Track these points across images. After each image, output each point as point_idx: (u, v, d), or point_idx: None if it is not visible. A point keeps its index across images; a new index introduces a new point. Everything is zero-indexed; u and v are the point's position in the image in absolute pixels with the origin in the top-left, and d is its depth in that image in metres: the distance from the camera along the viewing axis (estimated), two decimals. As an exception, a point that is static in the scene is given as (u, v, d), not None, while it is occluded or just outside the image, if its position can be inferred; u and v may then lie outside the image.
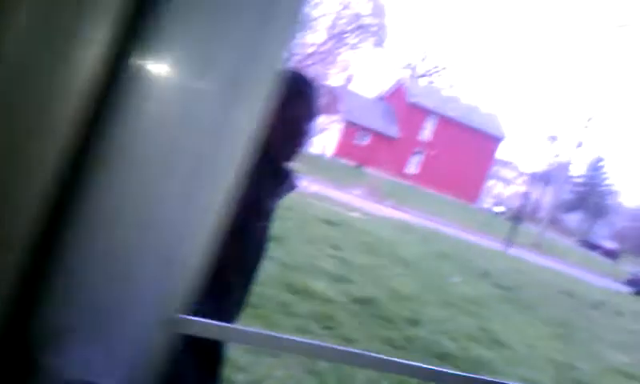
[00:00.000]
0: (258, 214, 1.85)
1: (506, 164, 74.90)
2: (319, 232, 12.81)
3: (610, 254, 49.82)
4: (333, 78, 43.23)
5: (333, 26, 39.89)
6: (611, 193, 70.00)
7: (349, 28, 40.58)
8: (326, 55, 38.84)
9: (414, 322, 8.16)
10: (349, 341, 6.67)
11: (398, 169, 50.39)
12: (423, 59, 67.45)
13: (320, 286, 8.38)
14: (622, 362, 10.57)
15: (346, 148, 50.02)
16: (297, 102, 1.85)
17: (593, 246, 52.49)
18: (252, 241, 1.87)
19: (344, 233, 13.91)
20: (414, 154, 53.19)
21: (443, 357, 7.18)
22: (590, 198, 67.81)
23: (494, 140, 55.15)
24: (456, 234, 23.96)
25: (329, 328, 6.89)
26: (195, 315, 0.81)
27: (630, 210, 69.56)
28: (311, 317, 7.05)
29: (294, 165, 1.98)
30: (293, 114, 1.84)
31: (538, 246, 33.78)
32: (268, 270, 7.35)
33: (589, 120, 55.78)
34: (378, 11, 42.18)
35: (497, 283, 14.14)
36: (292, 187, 1.98)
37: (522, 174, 73.27)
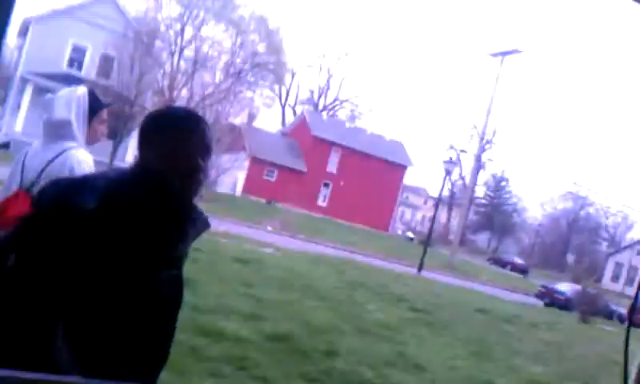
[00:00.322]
0: (166, 261, 1.77)
1: (414, 190, 76.73)
2: (231, 271, 12.47)
3: (520, 270, 51.54)
4: (235, 117, 43.11)
5: (230, 65, 39.90)
6: (516, 210, 72.68)
7: (246, 66, 40.67)
8: (225, 94, 38.71)
9: (331, 354, 7.94)
10: (264, 380, 6.37)
11: (308, 202, 50.48)
12: (325, 93, 68.61)
13: (233, 326, 8.04)
14: (537, 373, 10.72)
15: (254, 184, 49.73)
16: (189, 138, 1.87)
17: (503, 263, 54.13)
18: (165, 290, 1.77)
19: (257, 270, 13.60)
20: (323, 186, 53.52)
21: (362, 386, 6.99)
22: (495, 216, 70.12)
23: (401, 167, 56.24)
24: (369, 262, 24.04)
25: (243, 368, 6.57)
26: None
27: (533, 226, 72.42)
28: (224, 359, 6.71)
29: (198, 205, 1.93)
30: (186, 152, 1.86)
31: (450, 268, 34.44)
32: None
33: (487, 142, 57.98)
34: (273, 49, 42.51)
35: (412, 307, 14.15)
36: (204, 226, 1.92)
37: (429, 199, 75.11)
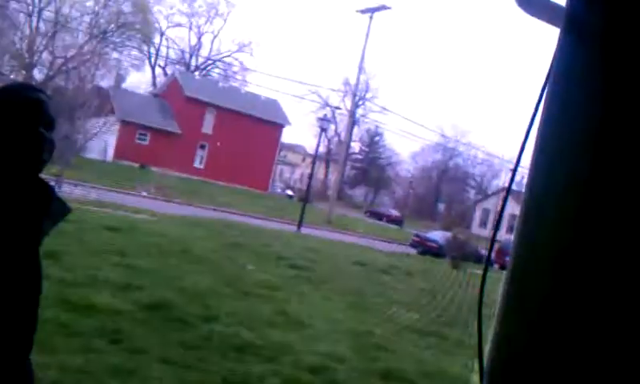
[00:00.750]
0: (22, 237, 1.85)
1: (292, 148, 77.10)
2: (102, 240, 11.94)
3: (396, 221, 53.35)
4: (102, 79, 41.33)
5: (94, 26, 38.08)
6: (390, 164, 74.81)
7: (111, 26, 38.96)
8: (90, 56, 36.93)
9: (210, 319, 7.79)
10: (139, 351, 6.13)
11: (185, 165, 49.46)
12: (197, 53, 67.00)
13: (105, 298, 7.69)
14: (414, 320, 11.10)
15: (126, 149, 47.94)
16: (28, 111, 1.86)
17: (379, 216, 55.79)
18: (24, 267, 1.88)
19: (130, 237, 13.12)
20: (199, 148, 52.62)
21: (243, 348, 6.89)
22: (371, 171, 71.90)
23: (278, 126, 56.23)
24: (249, 222, 23.92)
25: (116, 342, 6.28)
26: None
27: (407, 178, 74.92)
28: (96, 333, 6.40)
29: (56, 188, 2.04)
30: (27, 125, 1.85)
31: (328, 223, 35.03)
32: (43, 290, 6.56)
33: (360, 98, 59.05)
34: (140, 8, 40.89)
35: (292, 264, 14.22)
36: (64, 210, 2.03)
37: (307, 156, 75.83)
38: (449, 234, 29.74)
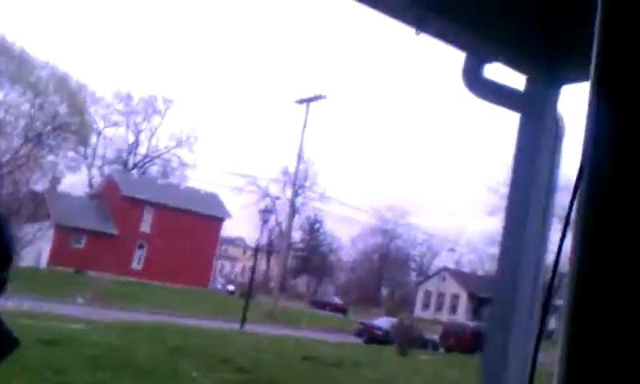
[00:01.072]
0: None
1: (232, 241, 76.46)
2: (37, 356, 11.35)
3: (340, 309, 52.99)
4: (37, 183, 40.54)
5: (29, 129, 37.68)
6: (332, 250, 74.94)
7: (47, 129, 38.63)
8: (25, 159, 36.36)
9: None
10: None
11: (122, 266, 48.30)
12: (134, 151, 66.69)
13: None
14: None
15: (61, 254, 46.60)
16: None
17: (323, 305, 55.35)
18: None
19: (67, 350, 12.58)
20: (138, 248, 51.63)
21: None
22: (313, 259, 71.78)
23: (217, 220, 55.87)
24: (190, 323, 23.32)
25: None
26: None
27: (349, 264, 74.99)
28: None
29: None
30: None
31: (272, 317, 34.52)
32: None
33: (300, 187, 59.53)
34: (76, 109, 40.75)
35: (237, 367, 13.86)
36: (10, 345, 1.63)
37: (248, 248, 75.25)
38: (394, 320, 29.73)
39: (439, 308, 57.17)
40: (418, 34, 1.54)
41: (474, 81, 1.69)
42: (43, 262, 46.20)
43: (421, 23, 1.53)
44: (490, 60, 1.67)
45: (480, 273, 60.87)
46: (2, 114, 36.77)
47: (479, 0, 1.52)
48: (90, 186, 62.00)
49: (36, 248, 42.79)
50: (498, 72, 1.70)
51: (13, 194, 33.90)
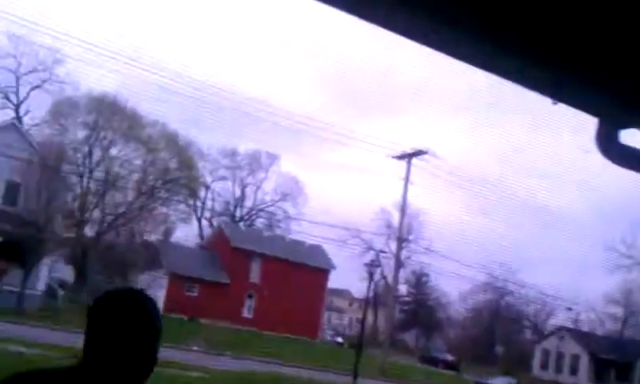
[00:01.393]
0: None
1: (338, 293, 76.23)
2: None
3: (452, 366, 51.09)
4: (151, 234, 42.16)
5: (142, 183, 39.36)
6: (440, 304, 72.96)
7: (158, 183, 40.22)
8: (138, 212, 37.94)
9: None
10: None
11: (233, 315, 48.99)
12: (241, 204, 68.45)
13: None
14: None
15: (176, 302, 47.91)
16: (138, 329, 1.75)
17: (433, 361, 53.57)
18: None
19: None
20: (247, 297, 52.39)
21: None
22: (420, 313, 70.15)
23: (324, 271, 55.94)
24: (303, 374, 22.99)
25: None
26: None
27: (459, 320, 72.65)
28: None
29: None
30: (137, 343, 1.74)
31: (383, 372, 33.67)
32: None
33: (404, 240, 58.69)
34: (185, 164, 42.28)
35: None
36: None
37: (354, 301, 74.75)
38: (511, 380, 28.23)
39: (559, 369, 54.01)
40: (554, 103, 1.51)
41: (610, 147, 1.65)
42: (160, 309, 47.64)
43: (555, 92, 1.50)
44: (627, 125, 1.64)
45: (599, 333, 57.43)
46: (116, 169, 38.66)
47: (613, 64, 1.44)
48: (201, 236, 63.87)
49: (152, 296, 44.23)
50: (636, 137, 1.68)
51: (129, 245, 35.30)
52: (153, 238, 43.22)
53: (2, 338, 18.05)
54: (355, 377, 25.36)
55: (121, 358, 1.66)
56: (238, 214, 68.90)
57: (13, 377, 1.75)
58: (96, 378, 1.63)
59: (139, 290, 1.92)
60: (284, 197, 67.93)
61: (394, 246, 49.21)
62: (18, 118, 42.00)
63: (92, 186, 37.66)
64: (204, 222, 67.02)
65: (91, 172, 37.54)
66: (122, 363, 1.67)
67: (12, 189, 33.07)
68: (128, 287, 2.20)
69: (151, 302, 1.82)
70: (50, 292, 35.32)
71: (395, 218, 49.50)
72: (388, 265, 61.34)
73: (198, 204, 63.56)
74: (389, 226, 62.75)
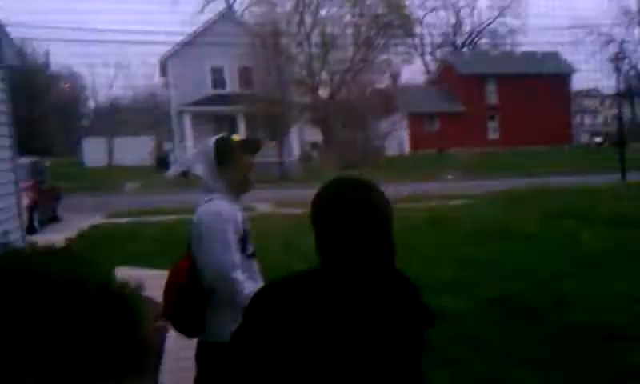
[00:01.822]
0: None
1: (584, 93, 71.31)
2: (427, 237, 11.71)
3: None
4: (379, 82, 42.71)
5: (358, 36, 39.61)
6: None
7: (372, 32, 40.11)
8: (362, 64, 38.52)
9: (562, 305, 6.98)
10: (497, 356, 5.65)
11: (479, 139, 48.68)
12: (459, 31, 66.00)
13: (445, 301, 7.36)
14: None
15: (419, 139, 48.97)
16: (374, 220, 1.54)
17: None
18: None
19: (452, 227, 12.85)
20: (489, 119, 51.52)
21: (610, 336, 5.98)
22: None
23: (564, 76, 52.86)
24: (561, 182, 22.05)
25: (470, 348, 5.87)
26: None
27: None
28: (446, 341, 6.05)
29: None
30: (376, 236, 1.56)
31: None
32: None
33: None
34: (393, 6, 41.31)
35: (633, 223, 12.44)
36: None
37: (604, 98, 69.76)
38: None
39: None
40: None
41: None
42: (405, 149, 49.10)
43: None
44: None
45: None
46: (330, 29, 39.20)
47: None
48: (427, 72, 63.25)
49: (396, 138, 45.51)
50: None
51: (361, 96, 36.09)
52: (382, 85, 43.79)
53: (276, 200, 19.81)
54: (623, 174, 23.87)
55: (364, 253, 1.51)
56: (458, 41, 66.75)
57: (266, 286, 1.69)
58: (341, 278, 1.50)
59: (360, 177, 1.64)
60: (502, 11, 64.14)
61: (637, 31, 44.19)
62: (229, 7, 44.21)
63: (313, 50, 38.78)
64: (427, 58, 66.15)
65: (308, 38, 38.59)
66: (366, 258, 1.51)
67: (245, 73, 35.35)
68: (349, 176, 1.82)
69: (378, 187, 1.60)
70: (304, 156, 38.05)
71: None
72: (635, 53, 55.90)
73: (417, 41, 62.57)
74: (627, 12, 56.56)
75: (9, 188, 6.84)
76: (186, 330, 3.03)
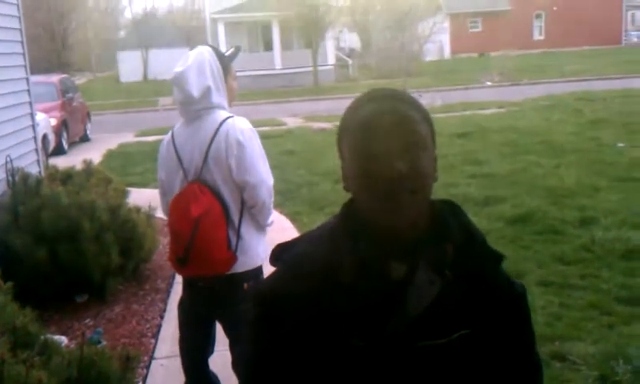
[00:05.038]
0: None
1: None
2: (454, 151, 11.41)
3: None
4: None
5: None
6: None
7: None
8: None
9: (586, 222, 6.80)
10: (514, 275, 5.49)
11: (523, 40, 46.91)
12: None
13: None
14: None
15: (461, 41, 47.42)
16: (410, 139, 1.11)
17: None
18: None
19: (481, 140, 12.59)
20: (535, 18, 49.40)
21: (631, 255, 5.77)
22: None
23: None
24: (607, 87, 21.24)
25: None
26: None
27: None
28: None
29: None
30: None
31: None
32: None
33: None
34: None
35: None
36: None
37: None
38: None
39: None
40: None
41: None
42: (446, 53, 47.72)
43: None
44: None
45: None
46: None
47: None
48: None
49: (436, 41, 44.11)
50: None
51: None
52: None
53: (304, 115, 19.57)
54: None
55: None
56: None
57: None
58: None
59: (394, 90, 1.22)
60: None
61: None
62: None
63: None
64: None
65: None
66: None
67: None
68: (383, 89, 1.48)
69: (414, 100, 1.18)
70: (340, 63, 37.21)
71: None
72: None
73: None
74: None
75: (22, 109, 6.78)
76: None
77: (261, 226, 2.88)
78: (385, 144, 1.09)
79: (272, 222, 2.97)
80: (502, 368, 1.19)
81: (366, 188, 1.11)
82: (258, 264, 2.84)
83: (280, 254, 1.24)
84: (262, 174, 2.77)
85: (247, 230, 2.80)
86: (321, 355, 1.13)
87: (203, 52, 2.81)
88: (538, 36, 49.35)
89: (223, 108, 2.81)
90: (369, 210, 1.12)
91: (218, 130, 2.71)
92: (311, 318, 1.13)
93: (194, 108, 2.77)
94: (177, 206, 2.76)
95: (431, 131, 1.16)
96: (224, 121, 2.73)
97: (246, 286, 2.80)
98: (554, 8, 47.77)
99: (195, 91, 2.74)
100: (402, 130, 1.10)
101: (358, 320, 1.11)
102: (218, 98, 2.79)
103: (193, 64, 2.76)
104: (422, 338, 1.11)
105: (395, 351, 1.11)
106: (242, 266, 2.78)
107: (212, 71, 2.77)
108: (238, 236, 2.77)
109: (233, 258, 2.74)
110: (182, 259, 2.76)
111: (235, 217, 2.77)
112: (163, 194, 2.94)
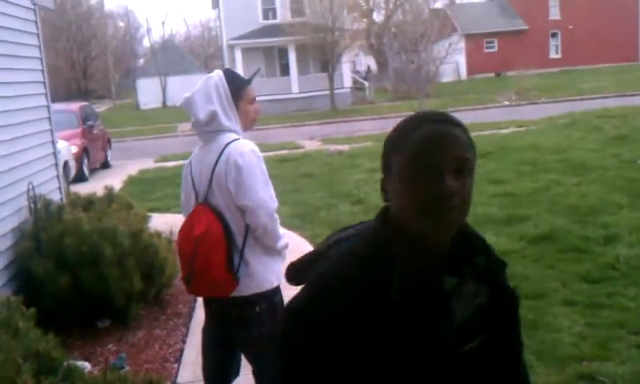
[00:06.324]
0: None
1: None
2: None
3: None
4: (435, 1, 41.42)
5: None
6: None
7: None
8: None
9: (610, 240, 6.70)
10: (537, 295, 5.44)
11: (540, 59, 46.78)
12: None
13: (489, 238, 7.13)
14: None
15: (477, 62, 47.40)
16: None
17: None
18: None
19: (501, 159, 12.46)
20: (551, 37, 49.33)
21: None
22: None
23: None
24: (626, 104, 21.11)
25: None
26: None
27: None
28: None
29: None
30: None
31: None
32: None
33: None
34: None
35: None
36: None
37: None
38: None
39: None
40: None
41: None
42: (462, 74, 47.69)
43: None
44: None
45: None
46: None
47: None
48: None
49: (452, 62, 44.16)
50: None
51: (417, 17, 34.94)
52: (439, 4, 42.35)
53: (322, 138, 19.63)
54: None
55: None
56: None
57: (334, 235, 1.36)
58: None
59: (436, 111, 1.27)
60: None
61: None
62: None
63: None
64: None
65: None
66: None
67: (296, 1, 34.59)
68: (435, 111, 1.46)
69: (461, 122, 1.22)
70: (356, 86, 37.37)
71: None
72: None
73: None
74: None
75: (44, 137, 6.85)
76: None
77: (272, 250, 2.86)
78: (442, 163, 1.14)
79: (286, 245, 2.94)
80: (502, 368, 1.30)
81: (417, 203, 1.15)
82: (268, 288, 2.82)
83: (298, 272, 1.31)
84: (261, 197, 2.74)
85: (252, 254, 2.79)
86: (368, 369, 1.18)
87: (213, 76, 2.84)
88: (554, 54, 49.24)
89: (234, 131, 2.82)
90: (416, 224, 1.16)
91: (221, 152, 2.74)
92: (352, 333, 1.16)
93: (205, 130, 2.81)
94: (183, 227, 2.81)
95: (474, 157, 1.21)
96: (228, 144, 2.75)
97: (257, 309, 2.79)
98: (570, 26, 47.68)
99: (201, 115, 2.78)
100: (456, 152, 1.16)
101: (409, 333, 1.18)
102: (227, 121, 2.79)
103: (200, 89, 2.83)
104: (461, 345, 1.22)
105: (443, 359, 1.20)
106: (248, 288, 2.78)
107: (219, 95, 2.78)
108: (241, 259, 2.76)
109: (232, 281, 2.73)
110: (186, 278, 2.81)
111: (239, 239, 2.77)
112: (185, 215, 2.97)
